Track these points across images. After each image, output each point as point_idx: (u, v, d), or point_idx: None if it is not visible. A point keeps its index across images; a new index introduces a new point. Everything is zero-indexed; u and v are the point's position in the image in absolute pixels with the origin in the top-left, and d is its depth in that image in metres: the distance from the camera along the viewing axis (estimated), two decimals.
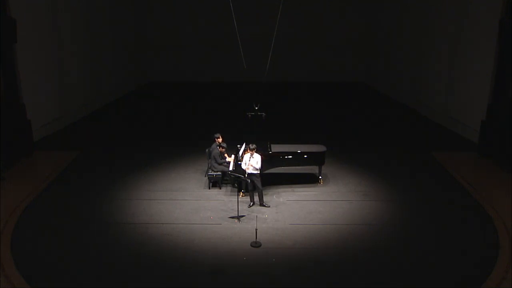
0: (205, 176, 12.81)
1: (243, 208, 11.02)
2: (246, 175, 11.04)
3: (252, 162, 11.04)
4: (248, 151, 11.13)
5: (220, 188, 12.33)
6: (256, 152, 11.16)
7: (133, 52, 27.34)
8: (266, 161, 11.66)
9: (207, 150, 12.79)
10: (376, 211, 11.14)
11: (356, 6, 29.36)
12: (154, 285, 8.23)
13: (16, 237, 9.72)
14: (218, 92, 27.55)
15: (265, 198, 11.57)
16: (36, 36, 16.57)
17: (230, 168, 12.11)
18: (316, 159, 12.57)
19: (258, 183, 11.19)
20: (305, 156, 12.47)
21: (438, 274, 8.60)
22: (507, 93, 14.05)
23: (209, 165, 12.49)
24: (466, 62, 17.53)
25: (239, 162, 12.13)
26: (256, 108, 13.29)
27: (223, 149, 12.48)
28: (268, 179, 11.99)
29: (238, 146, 12.91)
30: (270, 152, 12.14)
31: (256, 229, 9.53)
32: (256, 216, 10.10)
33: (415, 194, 12.15)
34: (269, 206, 11.26)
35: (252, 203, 11.32)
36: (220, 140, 12.57)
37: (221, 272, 8.61)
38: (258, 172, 11.17)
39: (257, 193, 11.33)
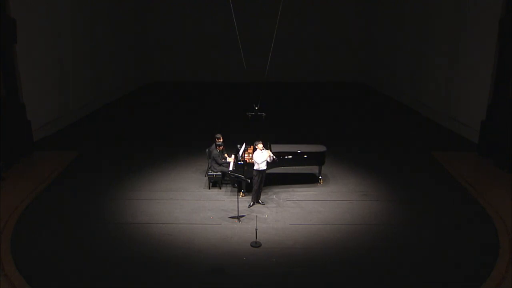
0: (205, 176, 12.81)
1: (243, 208, 11.02)
2: (277, 160, 11.19)
3: (264, 157, 11.07)
4: (258, 148, 11.11)
5: (220, 188, 12.33)
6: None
7: (134, 52, 27.33)
8: (266, 161, 11.65)
9: (207, 150, 12.79)
10: (376, 211, 11.15)
11: (356, 6, 29.36)
12: (154, 285, 8.24)
13: (16, 237, 9.73)
14: (218, 92, 27.54)
15: (265, 198, 11.61)
16: (36, 36, 16.57)
17: (230, 168, 12.11)
18: (316, 159, 12.58)
19: (263, 180, 11.26)
20: (305, 156, 12.48)
21: (438, 274, 8.60)
22: (507, 93, 14.05)
23: (209, 165, 12.49)
24: (466, 62, 17.53)
25: (240, 162, 12.14)
26: (256, 108, 13.29)
27: (221, 147, 12.48)
28: (268, 179, 11.98)
29: (238, 146, 12.91)
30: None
31: (256, 229, 9.54)
32: (256, 216, 10.12)
33: (415, 194, 12.16)
34: (264, 204, 11.30)
35: (252, 203, 11.33)
36: (221, 140, 12.58)
37: (221, 272, 8.61)
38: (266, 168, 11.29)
39: (260, 191, 11.40)
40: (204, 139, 14.56)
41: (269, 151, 11.29)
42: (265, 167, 11.24)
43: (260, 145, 11.13)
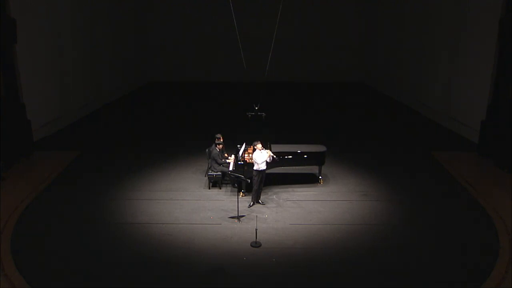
0: (205, 176, 12.81)
1: (243, 208, 11.02)
2: (277, 160, 11.22)
3: (264, 157, 11.07)
4: (257, 148, 11.11)
5: (220, 188, 12.33)
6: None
7: (133, 52, 27.34)
8: (265, 161, 11.65)
9: (207, 150, 12.79)
10: (376, 211, 11.14)
11: (356, 6, 29.37)
12: (154, 285, 8.23)
13: (16, 237, 9.72)
14: (218, 92, 27.55)
15: (265, 198, 11.62)
16: (36, 36, 16.57)
17: (230, 168, 12.11)
18: (316, 159, 12.58)
19: (263, 180, 11.27)
20: (305, 156, 12.47)
21: (438, 274, 8.60)
22: (507, 93, 14.05)
23: (209, 165, 12.49)
24: (466, 62, 17.53)
25: (240, 162, 12.14)
26: (256, 108, 13.29)
27: (221, 146, 12.46)
28: (268, 179, 11.98)
29: (238, 146, 12.90)
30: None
31: (256, 229, 9.54)
32: (256, 216, 10.11)
33: (415, 194, 12.15)
34: (264, 204, 11.31)
35: (252, 203, 11.32)
36: (221, 140, 12.56)
37: (221, 272, 8.61)
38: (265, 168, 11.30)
39: (260, 191, 11.40)
40: (204, 139, 14.57)
41: (269, 151, 11.29)
42: (265, 167, 11.24)
43: (259, 145, 11.13)
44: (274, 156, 11.29)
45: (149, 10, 29.27)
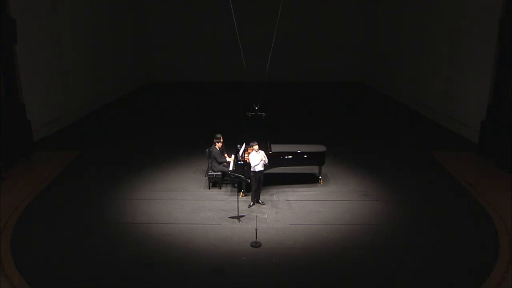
0: (205, 176, 12.81)
1: (243, 208, 11.02)
2: (268, 164, 11.13)
3: (261, 158, 11.06)
4: (254, 149, 11.10)
5: (220, 188, 12.33)
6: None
7: (133, 52, 27.35)
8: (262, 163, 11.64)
9: (207, 150, 12.79)
10: (376, 211, 11.14)
11: (356, 6, 29.38)
12: (154, 285, 8.23)
13: (16, 237, 9.72)
14: (218, 92, 27.56)
15: (265, 198, 11.61)
16: (36, 36, 16.58)
17: (230, 168, 12.11)
18: (316, 159, 12.58)
19: (261, 181, 11.26)
20: (305, 156, 12.47)
21: (438, 274, 8.60)
22: (507, 93, 14.05)
23: (209, 165, 12.49)
24: (466, 62, 17.53)
25: (240, 162, 12.14)
26: (256, 108, 13.29)
27: (220, 144, 12.45)
28: (268, 179, 11.98)
29: (238, 146, 12.90)
30: (270, 152, 12.13)
31: (256, 229, 9.54)
32: (256, 216, 10.11)
33: (415, 194, 12.15)
34: (264, 204, 11.31)
35: (252, 203, 11.32)
36: (221, 140, 12.55)
37: (221, 272, 8.61)
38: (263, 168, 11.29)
39: (259, 191, 11.39)
40: (204, 139, 14.56)
41: (263, 155, 11.22)
42: (262, 168, 11.21)
43: (255, 147, 11.09)
44: (266, 162, 11.24)
45: (149, 10, 29.27)
